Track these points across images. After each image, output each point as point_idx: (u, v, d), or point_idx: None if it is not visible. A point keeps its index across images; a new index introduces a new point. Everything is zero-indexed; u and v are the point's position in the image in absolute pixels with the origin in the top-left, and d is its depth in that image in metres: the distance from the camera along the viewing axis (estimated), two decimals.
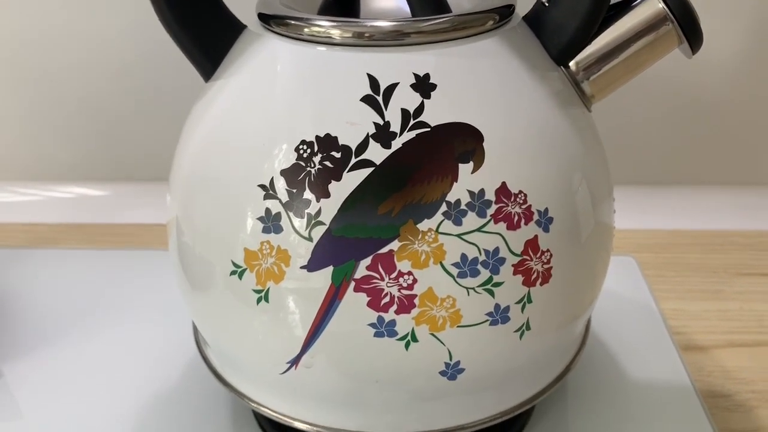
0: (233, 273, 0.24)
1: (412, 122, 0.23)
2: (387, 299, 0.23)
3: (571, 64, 0.27)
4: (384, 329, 0.23)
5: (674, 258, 0.44)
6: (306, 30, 0.24)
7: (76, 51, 0.47)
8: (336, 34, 0.24)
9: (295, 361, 0.24)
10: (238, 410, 0.32)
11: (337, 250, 0.23)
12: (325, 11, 0.28)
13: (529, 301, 0.24)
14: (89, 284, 0.41)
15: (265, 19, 0.26)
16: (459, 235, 0.23)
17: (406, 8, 0.27)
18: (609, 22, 0.26)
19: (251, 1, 0.28)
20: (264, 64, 0.25)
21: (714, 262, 0.44)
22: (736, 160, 0.49)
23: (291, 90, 0.24)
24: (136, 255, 0.44)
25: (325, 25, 0.24)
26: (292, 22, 0.24)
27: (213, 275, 0.25)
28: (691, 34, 0.26)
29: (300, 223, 0.23)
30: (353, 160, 0.22)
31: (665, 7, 0.26)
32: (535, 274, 0.24)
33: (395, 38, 0.23)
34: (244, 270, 0.24)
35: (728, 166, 0.49)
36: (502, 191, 0.23)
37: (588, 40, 0.26)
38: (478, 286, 0.23)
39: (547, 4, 0.27)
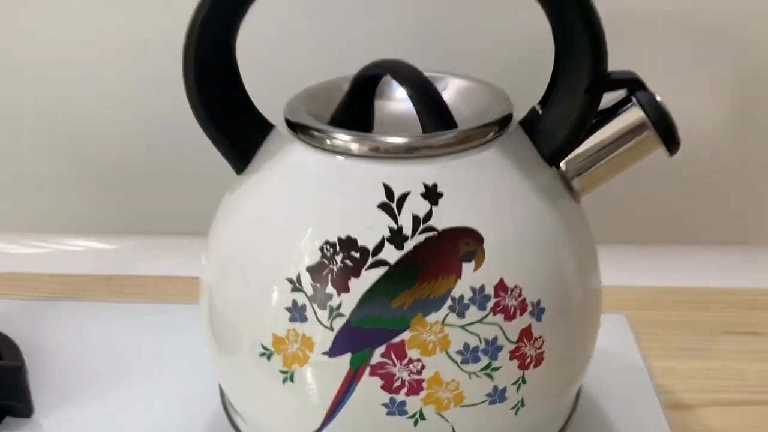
0: (262, 354, 0.27)
1: (422, 227, 0.26)
2: (398, 383, 0.26)
3: (562, 164, 0.30)
4: (395, 409, 0.26)
5: (664, 316, 0.47)
6: (328, 141, 0.27)
7: (105, 115, 0.51)
8: (355, 147, 0.27)
9: None
10: None
11: (355, 339, 0.26)
12: (342, 110, 0.31)
13: (524, 382, 0.27)
14: (115, 336, 0.44)
15: (292, 125, 0.29)
16: (462, 326, 0.26)
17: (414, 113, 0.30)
18: (596, 127, 0.30)
19: (277, 100, 0.31)
20: (291, 169, 0.28)
21: (700, 320, 0.46)
22: (723, 221, 0.52)
23: (316, 194, 0.27)
24: (160, 309, 0.47)
25: (345, 139, 0.27)
26: (316, 133, 0.28)
27: (241, 347, 0.28)
28: (669, 139, 0.29)
29: (323, 314, 0.26)
30: (370, 260, 0.26)
31: (645, 115, 0.29)
32: (529, 359, 0.27)
33: (407, 152, 0.27)
34: (272, 353, 0.27)
35: (716, 226, 0.52)
36: (500, 286, 0.26)
37: (577, 143, 0.30)
38: (479, 371, 0.26)
39: (540, 112, 0.30)
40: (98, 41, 0.49)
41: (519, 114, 0.31)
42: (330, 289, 0.26)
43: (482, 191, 0.27)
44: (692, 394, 0.40)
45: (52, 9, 0.48)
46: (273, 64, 0.46)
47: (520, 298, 0.26)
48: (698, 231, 0.52)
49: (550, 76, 0.30)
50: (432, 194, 0.26)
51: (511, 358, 0.26)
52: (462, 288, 0.26)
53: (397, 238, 0.26)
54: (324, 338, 0.26)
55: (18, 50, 0.49)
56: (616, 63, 0.30)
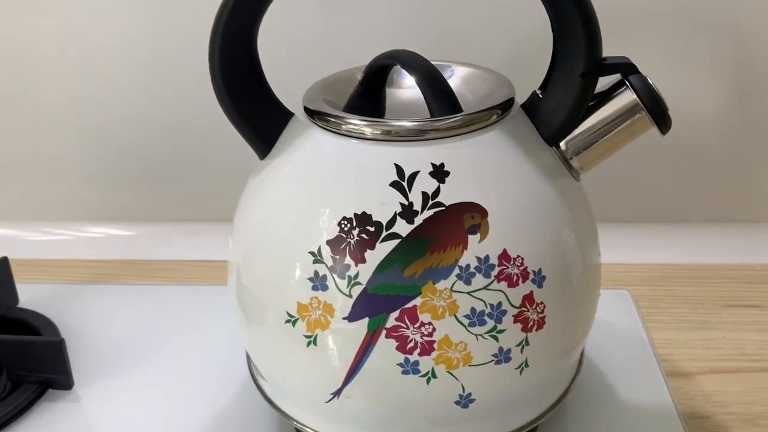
0: (287, 321, 0.30)
1: (430, 202, 0.28)
2: (412, 344, 0.28)
3: (561, 144, 0.32)
4: (409, 368, 0.29)
5: (667, 290, 0.49)
6: (343, 126, 0.30)
7: (135, 107, 0.54)
8: (368, 131, 0.29)
9: (337, 393, 0.30)
10: (283, 430, 0.37)
11: (372, 305, 0.28)
12: (356, 98, 0.34)
13: (527, 344, 0.29)
14: (145, 315, 0.47)
15: (310, 113, 0.31)
16: (469, 293, 0.28)
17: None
18: (592, 110, 0.32)
19: (295, 90, 0.34)
20: (311, 153, 0.31)
21: (702, 294, 0.49)
22: (724, 200, 0.54)
23: (333, 175, 0.30)
24: (185, 290, 0.50)
25: (359, 124, 0.30)
26: (332, 119, 0.30)
27: (267, 317, 0.31)
28: (660, 120, 0.31)
29: (342, 283, 0.28)
30: (384, 233, 0.28)
31: (637, 98, 0.31)
32: (531, 322, 0.29)
33: (416, 135, 0.29)
34: (297, 319, 0.29)
35: (717, 205, 0.54)
36: (504, 256, 0.28)
37: (575, 125, 0.32)
38: (485, 333, 0.28)
39: (540, 96, 0.32)
40: (125, 37, 0.51)
41: (520, 98, 0.33)
42: (348, 260, 0.28)
43: (486, 169, 0.29)
44: (692, 363, 0.42)
45: (79, 8, 0.51)
46: (291, 57, 0.48)
47: (522, 267, 0.29)
48: (700, 209, 0.54)
49: (549, 63, 0.32)
50: (440, 173, 0.28)
51: (515, 321, 0.29)
52: (468, 258, 0.28)
53: (408, 213, 0.28)
54: (344, 305, 0.28)
55: (47, 46, 0.52)
56: (619, 49, 0.32)
